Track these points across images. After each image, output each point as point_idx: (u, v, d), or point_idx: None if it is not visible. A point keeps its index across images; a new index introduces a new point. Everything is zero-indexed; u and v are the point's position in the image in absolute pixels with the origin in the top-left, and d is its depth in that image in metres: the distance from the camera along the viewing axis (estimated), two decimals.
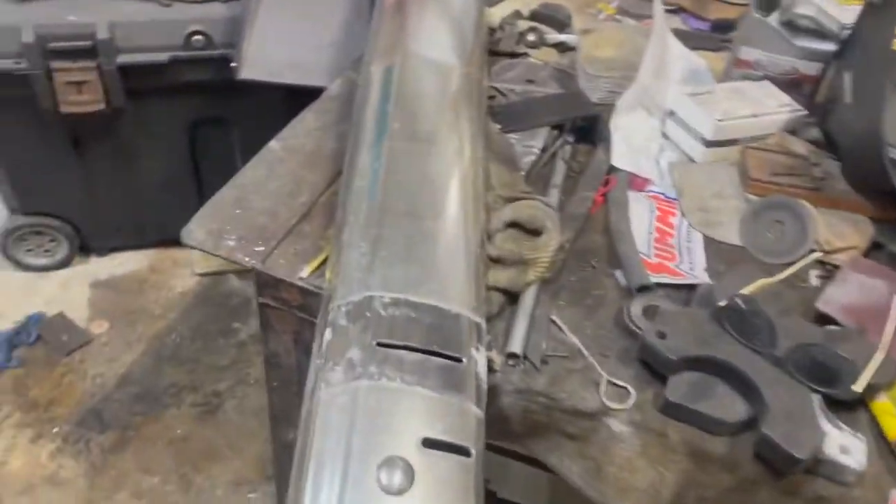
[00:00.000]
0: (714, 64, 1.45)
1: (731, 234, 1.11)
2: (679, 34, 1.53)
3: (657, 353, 0.87)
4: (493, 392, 0.92)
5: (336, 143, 1.22)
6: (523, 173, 1.16)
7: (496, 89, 1.37)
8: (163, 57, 1.77)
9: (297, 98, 1.41)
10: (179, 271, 2.31)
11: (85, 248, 2.30)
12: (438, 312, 0.84)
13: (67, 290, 2.23)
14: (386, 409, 0.74)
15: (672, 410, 0.86)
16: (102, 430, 1.88)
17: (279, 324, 1.08)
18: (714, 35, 1.57)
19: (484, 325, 0.86)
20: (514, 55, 1.50)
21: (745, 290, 0.94)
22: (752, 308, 0.89)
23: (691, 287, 1.02)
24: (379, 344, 0.79)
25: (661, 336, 0.88)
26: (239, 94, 1.75)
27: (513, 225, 1.01)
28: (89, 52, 1.70)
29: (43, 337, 2.08)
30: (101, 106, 1.78)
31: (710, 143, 1.21)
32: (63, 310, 2.16)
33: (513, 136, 1.22)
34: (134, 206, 2.17)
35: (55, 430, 1.87)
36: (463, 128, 1.06)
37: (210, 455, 1.84)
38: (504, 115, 1.24)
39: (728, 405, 0.85)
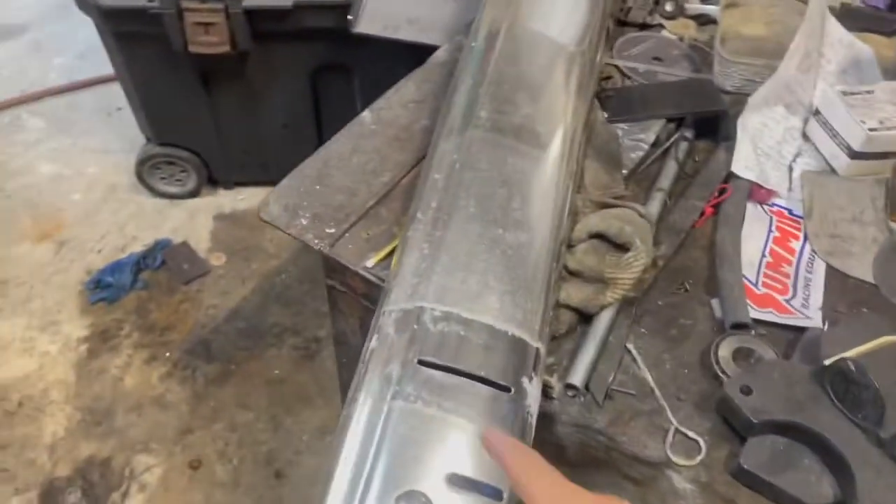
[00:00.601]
0: (885, 52, 1.24)
1: (862, 269, 0.95)
2: (846, 12, 1.31)
3: (736, 410, 0.76)
4: (548, 419, 0.85)
5: (430, 119, 1.14)
6: (625, 172, 1.05)
7: (616, 68, 1.23)
8: (287, 1, 1.76)
9: (420, 49, 1.35)
10: None
11: (213, 180, 2.39)
12: (492, 333, 0.77)
13: (193, 219, 2.34)
14: (416, 437, 0.69)
15: (745, 477, 0.76)
16: (209, 361, 1.98)
17: (346, 307, 1.05)
18: (890, 16, 1.33)
19: (543, 350, 0.78)
20: (645, 27, 1.34)
21: (861, 348, 0.80)
22: (861, 376, 0.75)
23: (800, 329, 0.88)
24: (420, 362, 0.74)
25: (746, 391, 0.77)
26: (361, 42, 1.70)
27: (599, 236, 0.91)
28: None
29: (167, 263, 2.20)
30: (227, 48, 1.79)
31: (856, 155, 1.03)
32: (187, 238, 2.27)
33: (621, 126, 1.09)
34: (258, 144, 2.22)
35: (167, 354, 1.99)
36: (560, 122, 0.96)
37: (302, 399, 1.90)
38: (615, 100, 1.12)
39: (812, 484, 0.73)
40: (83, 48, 2.92)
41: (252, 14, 1.76)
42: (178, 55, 1.84)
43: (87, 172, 2.49)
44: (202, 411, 1.87)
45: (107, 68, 2.50)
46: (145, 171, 2.29)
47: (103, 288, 2.11)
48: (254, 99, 2.06)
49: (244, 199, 2.40)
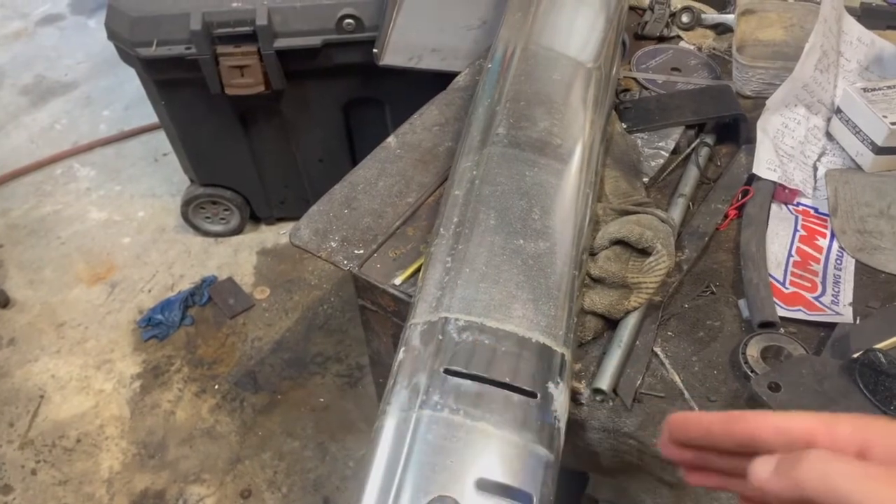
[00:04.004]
0: None
1: (893, 264, 0.94)
2: (868, 12, 1.31)
3: (765, 408, 0.76)
4: (578, 425, 0.86)
5: (453, 141, 1.18)
6: (646, 179, 1.06)
7: (635, 80, 1.25)
8: (316, 41, 1.82)
9: (447, 77, 1.39)
10: None
11: (255, 217, 2.46)
12: (517, 340, 0.78)
13: (237, 255, 2.41)
14: (444, 445, 0.71)
15: None
16: (255, 392, 2.02)
17: (378, 326, 1.08)
18: None
19: (569, 355, 0.80)
20: (662, 39, 1.36)
21: (892, 340, 0.79)
22: (892, 366, 0.74)
23: (831, 326, 0.87)
24: (447, 371, 0.76)
25: (774, 388, 0.77)
26: (389, 74, 1.75)
27: (620, 242, 0.92)
28: (250, 38, 1.79)
29: (213, 299, 2.26)
30: (262, 88, 1.86)
31: (880, 150, 1.03)
32: (232, 274, 2.34)
33: (640, 136, 1.11)
34: (296, 179, 2.28)
35: (216, 387, 2.04)
36: (578, 134, 0.98)
37: (346, 426, 1.92)
38: (633, 111, 1.13)
39: None
40: (129, 100, 3.05)
41: (284, 54, 1.83)
42: (215, 98, 1.91)
43: (136, 216, 2.59)
44: (251, 441, 1.91)
45: (151, 117, 2.61)
46: (190, 211, 2.37)
47: (154, 326, 2.18)
48: (290, 136, 2.12)
49: (286, 233, 2.46)
